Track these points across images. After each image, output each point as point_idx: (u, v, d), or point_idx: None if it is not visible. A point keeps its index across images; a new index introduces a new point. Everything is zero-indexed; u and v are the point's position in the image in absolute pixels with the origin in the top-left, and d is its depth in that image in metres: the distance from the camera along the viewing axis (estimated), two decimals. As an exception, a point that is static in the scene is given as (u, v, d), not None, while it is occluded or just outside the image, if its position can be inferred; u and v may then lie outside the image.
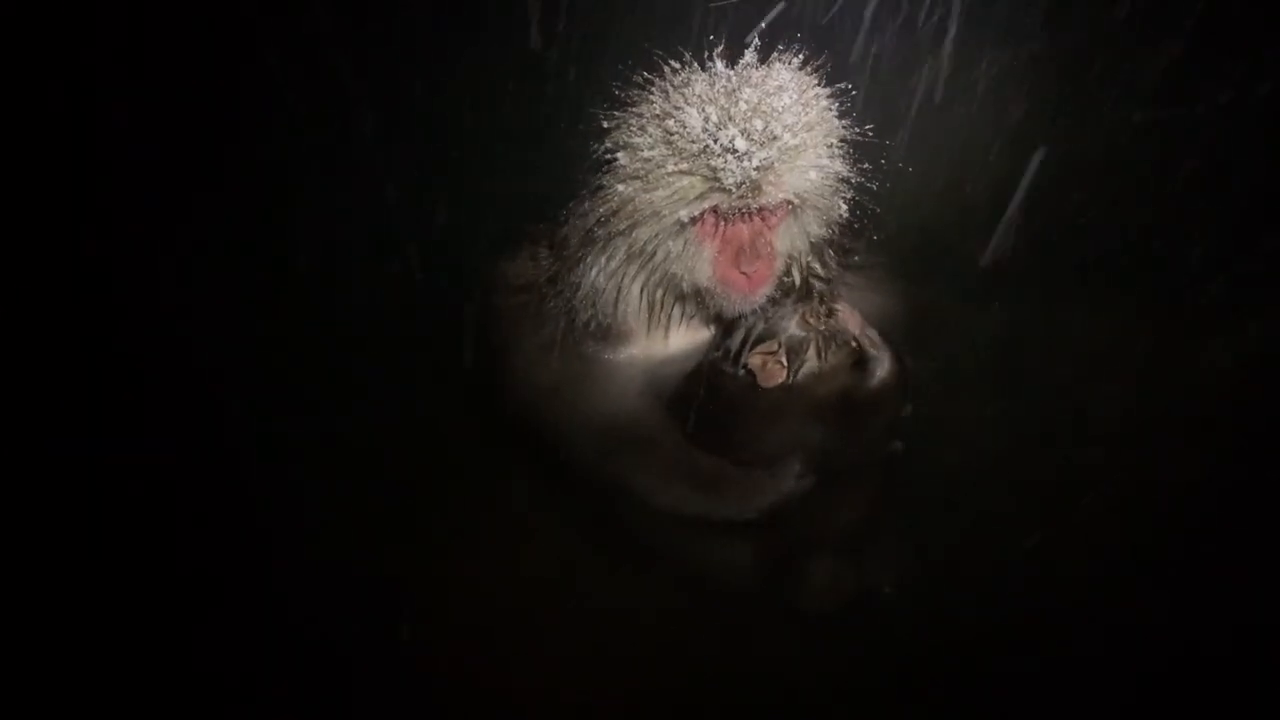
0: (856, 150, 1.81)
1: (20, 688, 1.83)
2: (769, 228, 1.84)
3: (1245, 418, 2.07)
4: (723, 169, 1.69)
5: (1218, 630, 1.86)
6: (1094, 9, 2.36)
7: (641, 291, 1.96)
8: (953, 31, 2.19)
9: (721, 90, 1.72)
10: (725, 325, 2.05)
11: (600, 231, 1.87)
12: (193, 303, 2.33)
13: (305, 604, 2.00)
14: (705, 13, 2.01)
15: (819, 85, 1.77)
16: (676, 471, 2.02)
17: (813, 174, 1.77)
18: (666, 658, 2.06)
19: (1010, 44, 2.31)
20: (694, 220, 1.79)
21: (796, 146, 1.72)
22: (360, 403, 2.28)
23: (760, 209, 1.79)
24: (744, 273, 1.84)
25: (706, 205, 1.75)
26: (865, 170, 1.82)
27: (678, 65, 1.77)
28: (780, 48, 1.78)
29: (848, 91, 1.80)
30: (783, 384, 1.96)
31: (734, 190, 1.71)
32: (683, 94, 1.73)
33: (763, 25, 1.81)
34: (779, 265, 1.89)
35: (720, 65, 1.76)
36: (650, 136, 1.73)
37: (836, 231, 1.94)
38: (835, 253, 2.03)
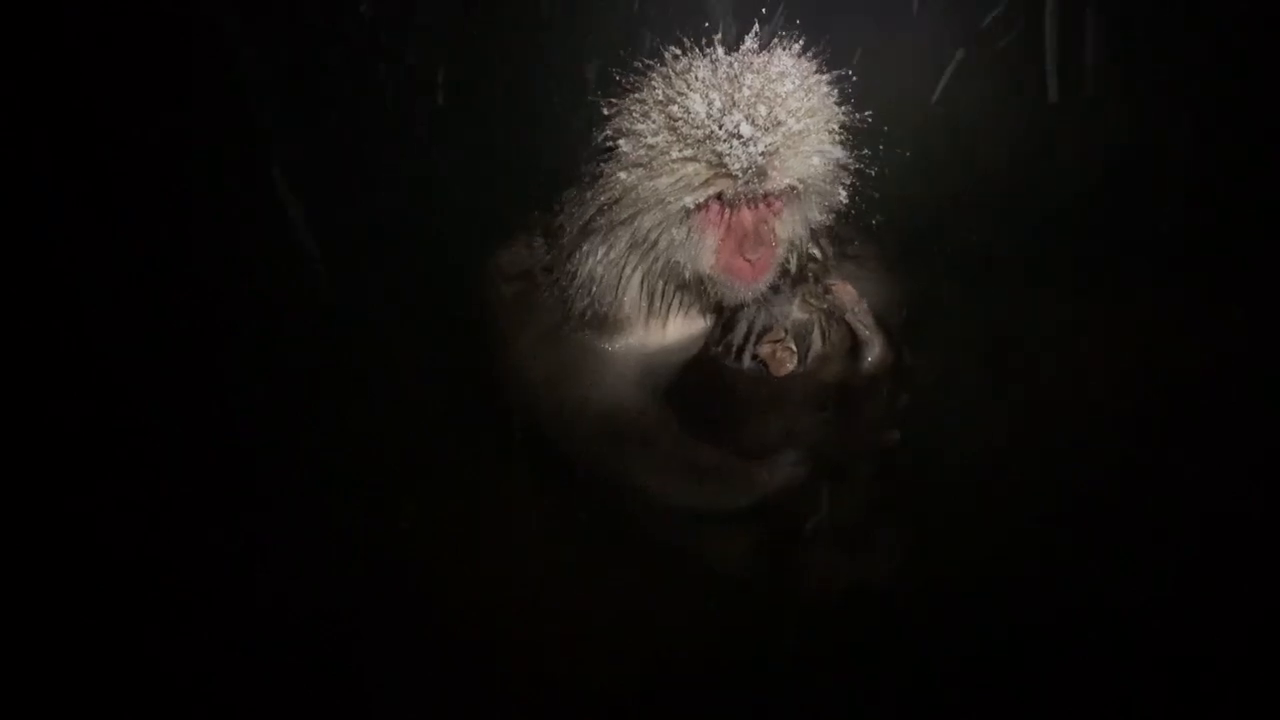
0: (856, 137, 1.82)
1: (20, 688, 1.79)
2: (773, 214, 1.84)
3: (1245, 418, 2.11)
4: (728, 155, 1.69)
5: (1217, 630, 1.89)
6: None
7: (642, 281, 1.95)
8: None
9: (724, 76, 1.72)
10: (723, 316, 2.04)
11: (601, 220, 1.86)
12: (189, 296, 2.29)
13: (305, 604, 1.96)
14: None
15: (819, 71, 1.78)
16: (675, 462, 2.00)
17: (816, 159, 1.78)
18: (663, 648, 2.04)
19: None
20: (698, 207, 1.78)
21: (800, 132, 1.73)
22: (355, 393, 2.24)
23: (764, 195, 1.79)
24: (747, 260, 1.84)
25: (712, 191, 1.75)
26: (864, 156, 1.83)
27: (679, 51, 1.76)
28: (780, 34, 1.79)
29: (847, 78, 1.81)
30: (794, 370, 1.95)
31: (740, 176, 1.71)
32: (685, 80, 1.73)
33: (763, 10, 1.81)
34: (781, 252, 1.89)
35: (721, 51, 1.76)
36: (653, 123, 1.72)
37: (834, 218, 1.95)
38: (832, 240, 2.04)
